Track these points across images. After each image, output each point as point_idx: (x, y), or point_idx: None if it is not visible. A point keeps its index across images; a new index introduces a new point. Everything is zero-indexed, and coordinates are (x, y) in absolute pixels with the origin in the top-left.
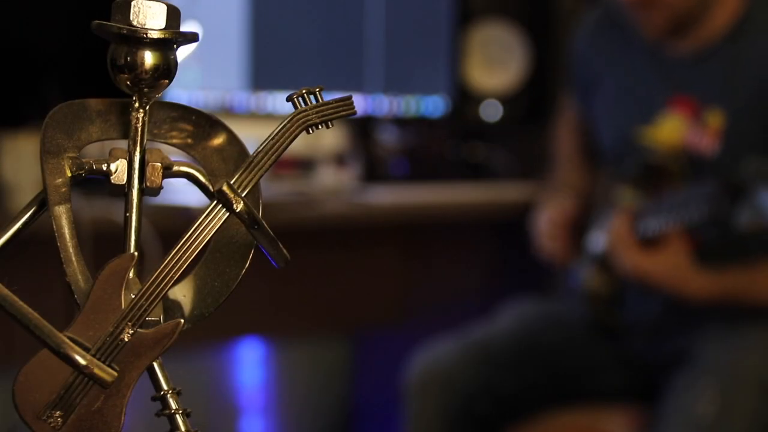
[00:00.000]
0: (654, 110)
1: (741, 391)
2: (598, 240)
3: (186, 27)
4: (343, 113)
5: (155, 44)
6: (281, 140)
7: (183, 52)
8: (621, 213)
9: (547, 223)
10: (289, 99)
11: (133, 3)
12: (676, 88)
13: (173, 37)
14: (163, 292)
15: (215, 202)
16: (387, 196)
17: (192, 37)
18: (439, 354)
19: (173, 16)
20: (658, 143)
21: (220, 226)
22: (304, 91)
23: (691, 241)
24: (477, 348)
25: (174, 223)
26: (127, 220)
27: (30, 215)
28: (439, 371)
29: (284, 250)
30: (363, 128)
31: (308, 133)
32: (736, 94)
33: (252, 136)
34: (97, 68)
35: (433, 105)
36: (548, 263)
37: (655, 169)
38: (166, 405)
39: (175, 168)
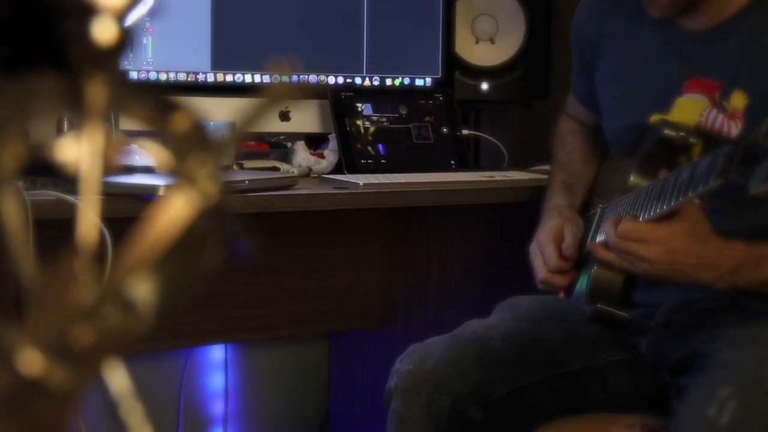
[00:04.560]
0: (670, 95)
1: (763, 397)
2: (604, 233)
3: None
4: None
5: (111, 15)
6: (250, 122)
7: (141, 25)
8: (611, 219)
9: (553, 256)
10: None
11: None
12: (693, 69)
13: (130, 7)
14: (122, 287)
15: (179, 188)
16: (369, 183)
17: (150, 8)
18: (426, 355)
19: None
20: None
21: (184, 216)
22: (277, 70)
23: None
24: (468, 349)
25: (134, 212)
26: (81, 209)
27: None
28: (427, 374)
29: (254, 243)
30: (344, 109)
31: (282, 119)
32: (758, 74)
33: (217, 118)
34: (49, 42)
35: (421, 85)
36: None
37: (671, 144)
38: (126, 412)
39: (134, 152)
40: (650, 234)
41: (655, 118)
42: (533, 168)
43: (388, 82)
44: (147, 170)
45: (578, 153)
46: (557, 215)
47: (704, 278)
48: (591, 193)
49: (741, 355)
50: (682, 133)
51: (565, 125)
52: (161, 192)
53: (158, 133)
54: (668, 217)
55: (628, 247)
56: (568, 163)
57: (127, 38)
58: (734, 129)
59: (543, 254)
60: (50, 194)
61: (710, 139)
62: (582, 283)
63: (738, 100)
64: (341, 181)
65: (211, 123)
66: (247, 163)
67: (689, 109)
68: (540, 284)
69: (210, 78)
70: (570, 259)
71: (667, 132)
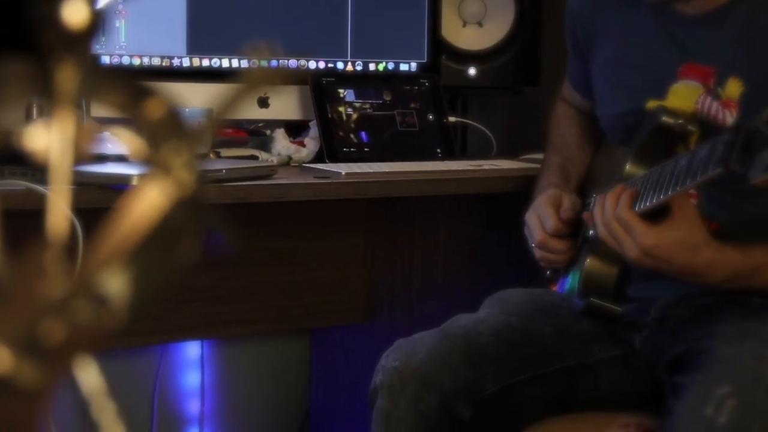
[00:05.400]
0: (665, 81)
1: (762, 396)
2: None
3: None
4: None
5: None
6: (227, 108)
7: (114, 8)
8: (614, 191)
9: (552, 217)
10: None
11: None
12: (689, 55)
13: None
14: (94, 281)
15: (153, 178)
16: (351, 172)
17: None
18: (412, 351)
19: None
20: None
21: (159, 206)
22: (256, 54)
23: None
24: (456, 344)
25: (106, 203)
26: (51, 199)
27: None
28: (413, 370)
29: (232, 234)
30: (325, 95)
31: (261, 106)
32: (756, 59)
33: (193, 104)
34: (18, 25)
35: (406, 70)
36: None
37: (669, 131)
38: (97, 411)
39: (107, 140)
40: (639, 235)
41: (651, 104)
42: (523, 157)
43: (372, 67)
44: (120, 159)
45: (574, 138)
46: (554, 188)
47: (691, 281)
48: (586, 182)
49: (740, 352)
50: (680, 120)
51: (561, 109)
52: (134, 182)
53: (131, 120)
54: (664, 209)
55: (617, 232)
56: (563, 147)
57: (98, 21)
58: (729, 117)
59: (541, 217)
60: (19, 184)
61: (707, 127)
62: (574, 277)
63: (733, 88)
64: (322, 170)
65: (187, 110)
66: (224, 152)
67: (685, 95)
68: (537, 249)
69: (185, 63)
70: (568, 223)
71: (665, 119)
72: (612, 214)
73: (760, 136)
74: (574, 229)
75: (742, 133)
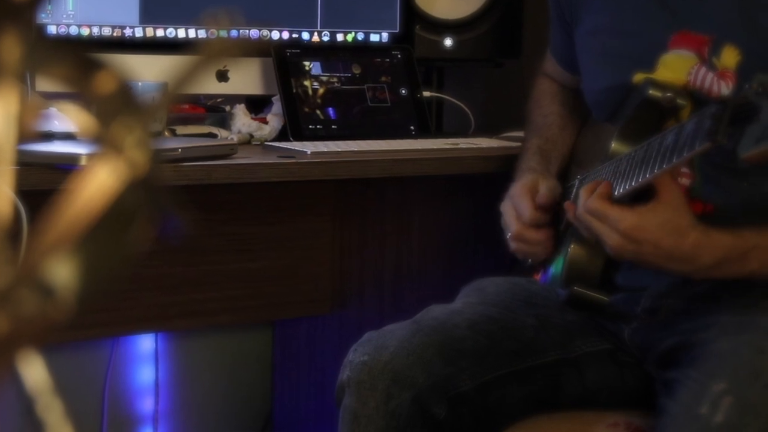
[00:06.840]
0: (654, 52)
1: (761, 393)
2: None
3: None
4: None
5: None
6: (183, 82)
7: None
8: (589, 184)
9: (528, 207)
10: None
11: None
12: (682, 22)
13: None
14: (39, 269)
15: (103, 157)
16: (318, 152)
17: None
18: (383, 344)
19: None
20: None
21: (109, 188)
22: (214, 24)
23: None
24: (430, 337)
25: (52, 184)
26: None
27: None
28: (384, 365)
29: (188, 219)
30: (289, 68)
31: (220, 80)
32: (754, 26)
33: (146, 77)
34: None
35: (377, 41)
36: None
37: (657, 106)
38: (43, 409)
39: (53, 116)
40: (617, 220)
41: (638, 77)
42: (503, 135)
43: (340, 37)
44: (67, 137)
45: (555, 116)
46: (531, 173)
47: (678, 270)
48: (570, 163)
49: (737, 344)
50: (669, 94)
51: (542, 85)
52: (83, 162)
53: (80, 95)
54: (649, 190)
55: (591, 224)
56: (543, 127)
57: None
58: (724, 89)
59: (517, 207)
60: None
61: (700, 100)
62: (558, 265)
63: (729, 57)
64: (287, 149)
65: (140, 84)
66: (180, 129)
67: (676, 66)
68: (513, 241)
69: (138, 33)
70: (546, 209)
71: (652, 92)
72: (583, 206)
73: (749, 108)
74: (555, 216)
75: (730, 104)
